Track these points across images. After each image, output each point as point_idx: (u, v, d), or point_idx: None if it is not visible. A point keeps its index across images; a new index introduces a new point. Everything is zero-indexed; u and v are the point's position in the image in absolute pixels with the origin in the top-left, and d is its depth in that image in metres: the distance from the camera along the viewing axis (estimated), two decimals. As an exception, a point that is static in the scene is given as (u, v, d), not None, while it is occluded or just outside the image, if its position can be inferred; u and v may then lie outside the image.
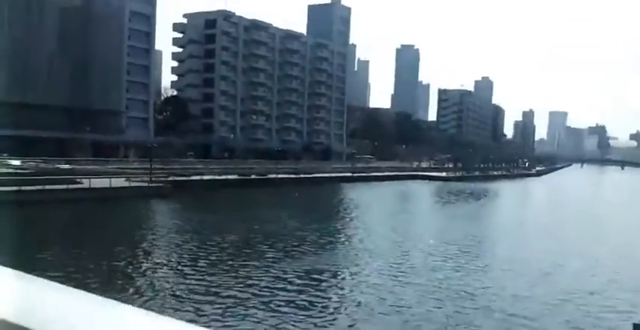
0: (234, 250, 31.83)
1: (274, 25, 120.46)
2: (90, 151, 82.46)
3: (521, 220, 57.12)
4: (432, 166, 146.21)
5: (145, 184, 61.05)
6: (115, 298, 1.56)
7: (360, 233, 41.99)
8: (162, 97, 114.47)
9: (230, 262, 28.37)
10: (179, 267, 27.58)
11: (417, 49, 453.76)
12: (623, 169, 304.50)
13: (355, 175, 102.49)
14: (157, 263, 28.01)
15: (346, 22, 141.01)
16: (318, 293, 23.37)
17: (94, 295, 1.52)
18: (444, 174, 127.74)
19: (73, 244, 30.86)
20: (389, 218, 54.73)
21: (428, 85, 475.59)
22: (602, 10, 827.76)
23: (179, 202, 57.33)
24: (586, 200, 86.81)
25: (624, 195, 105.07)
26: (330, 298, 22.79)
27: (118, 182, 59.25)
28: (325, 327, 19.38)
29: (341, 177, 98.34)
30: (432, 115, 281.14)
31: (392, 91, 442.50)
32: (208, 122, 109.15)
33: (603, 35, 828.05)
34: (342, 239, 38.59)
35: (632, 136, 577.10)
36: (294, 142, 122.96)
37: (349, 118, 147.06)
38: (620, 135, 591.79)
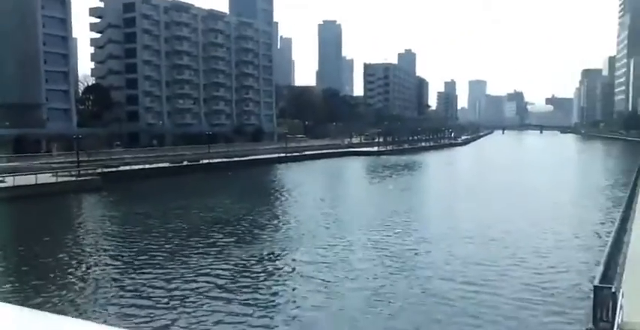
0: (167, 242, 31.01)
1: (196, 5, 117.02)
2: (10, 147, 78.03)
3: (456, 190, 58.65)
4: (363, 141, 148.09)
5: (73, 179, 58.77)
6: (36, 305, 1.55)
7: (301, 215, 41.96)
8: (82, 86, 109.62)
9: (161, 256, 27.71)
10: (110, 262, 26.78)
11: (339, 25, 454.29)
12: (541, 132, 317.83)
13: (289, 155, 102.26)
14: (90, 263, 27.07)
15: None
16: (264, 283, 23.19)
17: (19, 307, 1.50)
18: (375, 149, 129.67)
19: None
20: (327, 197, 54.96)
21: (352, 61, 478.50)
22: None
23: (111, 194, 55.48)
24: (512, 166, 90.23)
25: (546, 158, 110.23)
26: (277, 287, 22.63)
27: (44, 178, 56.74)
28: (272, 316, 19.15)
29: (275, 158, 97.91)
30: (357, 91, 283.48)
31: (316, 68, 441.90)
32: (133, 109, 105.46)
33: (519, 6, 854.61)
34: (284, 223, 38.25)
35: (548, 101, 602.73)
36: (224, 125, 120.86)
37: (277, 97, 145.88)
38: (536, 100, 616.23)
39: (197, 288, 21.89)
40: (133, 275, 24.38)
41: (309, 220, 38.57)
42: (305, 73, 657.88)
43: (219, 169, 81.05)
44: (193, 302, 20.27)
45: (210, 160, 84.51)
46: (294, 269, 25.38)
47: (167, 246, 30.29)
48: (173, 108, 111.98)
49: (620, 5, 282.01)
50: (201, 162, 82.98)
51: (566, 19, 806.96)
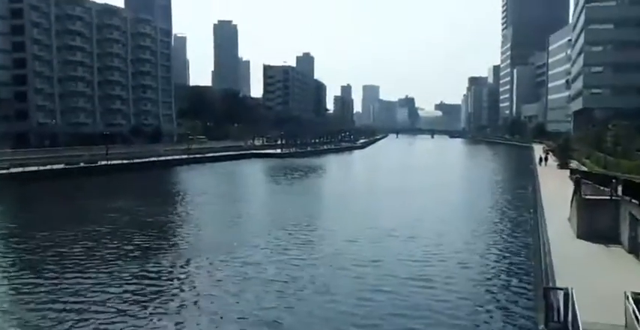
0: (57, 255, 28.41)
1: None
2: None
3: (360, 191, 59.09)
4: (265, 143, 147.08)
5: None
6: None
7: (209, 218, 40.43)
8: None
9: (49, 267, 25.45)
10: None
11: (235, 25, 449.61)
12: (432, 137, 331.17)
13: (191, 156, 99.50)
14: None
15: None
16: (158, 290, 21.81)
17: None
18: (278, 151, 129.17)
19: None
20: (237, 200, 53.47)
21: (248, 62, 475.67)
22: None
23: (3, 199, 51.03)
24: (412, 167, 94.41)
25: (440, 160, 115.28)
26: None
27: None
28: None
29: (177, 160, 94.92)
30: (254, 92, 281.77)
31: (212, 69, 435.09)
32: (23, 107, 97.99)
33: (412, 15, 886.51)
34: (191, 229, 36.31)
35: (437, 107, 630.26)
36: (121, 125, 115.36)
37: (176, 97, 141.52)
38: (426, 106, 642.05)
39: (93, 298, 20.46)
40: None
41: (219, 224, 37.41)
42: (200, 74, 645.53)
43: (118, 170, 77.37)
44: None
45: (109, 162, 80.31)
46: (198, 274, 24.59)
47: (67, 254, 27.91)
48: (66, 106, 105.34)
49: (502, 18, 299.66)
50: (99, 163, 78.74)
51: (453, 30, 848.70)
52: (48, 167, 70.28)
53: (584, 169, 53.88)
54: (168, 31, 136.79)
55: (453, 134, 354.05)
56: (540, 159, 69.89)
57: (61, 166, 73.15)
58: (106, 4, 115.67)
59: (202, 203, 49.42)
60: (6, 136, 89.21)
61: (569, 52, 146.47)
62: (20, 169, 66.04)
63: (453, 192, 58.66)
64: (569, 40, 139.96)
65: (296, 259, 27.05)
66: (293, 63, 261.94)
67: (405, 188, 59.27)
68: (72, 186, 61.49)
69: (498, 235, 33.56)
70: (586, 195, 24.99)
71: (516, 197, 52.11)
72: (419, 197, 52.24)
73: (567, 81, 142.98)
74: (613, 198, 23.67)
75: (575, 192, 26.70)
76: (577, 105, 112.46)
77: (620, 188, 23.71)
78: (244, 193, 62.29)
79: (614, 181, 24.84)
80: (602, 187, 26.59)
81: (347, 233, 33.32)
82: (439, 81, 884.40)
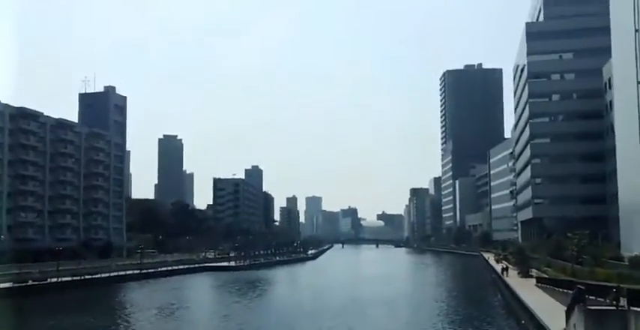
0: None
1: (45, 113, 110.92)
2: None
3: (323, 305, 57.69)
4: (218, 256, 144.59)
5: None
6: None
7: None
8: None
9: None
10: None
11: (180, 140, 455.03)
12: (377, 247, 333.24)
13: (143, 271, 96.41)
14: None
15: (122, 111, 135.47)
16: None
17: None
18: (232, 263, 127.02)
19: None
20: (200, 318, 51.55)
21: (192, 175, 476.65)
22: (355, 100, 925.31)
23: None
24: (366, 278, 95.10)
25: (391, 271, 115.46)
26: None
27: None
28: None
29: (129, 275, 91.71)
30: (198, 204, 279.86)
31: (155, 181, 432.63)
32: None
33: (353, 123, 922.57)
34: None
35: (379, 217, 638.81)
36: (70, 240, 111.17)
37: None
38: (368, 216, 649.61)
39: None
40: None
41: None
42: (142, 186, 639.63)
43: (70, 288, 73.95)
44: None
45: (60, 279, 76.70)
46: None
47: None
48: (14, 221, 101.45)
49: (442, 133, 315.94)
50: (49, 281, 75.09)
51: (392, 144, 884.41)
52: (-6, 286, 66.25)
53: (546, 276, 55.24)
54: (122, 146, 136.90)
55: (397, 244, 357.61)
56: (502, 269, 70.98)
57: (9, 284, 69.24)
58: (60, 119, 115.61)
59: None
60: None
61: (510, 164, 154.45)
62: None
63: (417, 305, 58.47)
64: (511, 153, 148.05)
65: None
66: (242, 175, 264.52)
67: (364, 304, 57.95)
68: (21, 305, 57.97)
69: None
70: (589, 306, 25.48)
71: (492, 308, 52.32)
72: (396, 310, 51.63)
73: (512, 192, 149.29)
74: (619, 309, 24.20)
75: (574, 302, 27.17)
76: (526, 215, 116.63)
77: (622, 299, 24.32)
78: (203, 309, 60.05)
79: (614, 290, 25.49)
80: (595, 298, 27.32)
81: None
82: (380, 192, 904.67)
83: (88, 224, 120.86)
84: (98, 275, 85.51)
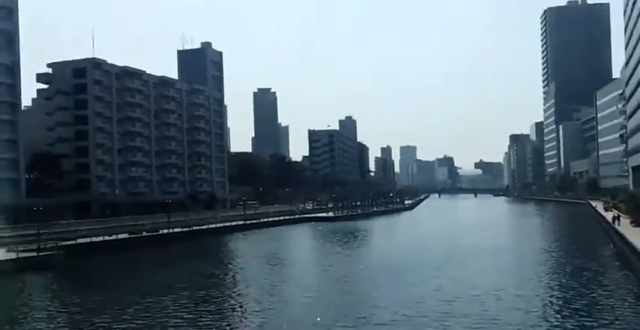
0: None
1: (147, 71, 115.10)
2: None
3: (436, 254, 56.79)
4: (316, 207, 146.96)
5: (34, 254, 53.82)
6: None
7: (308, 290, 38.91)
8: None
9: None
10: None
11: (274, 93, 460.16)
12: (476, 196, 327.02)
13: (248, 222, 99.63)
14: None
15: (219, 66, 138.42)
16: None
17: None
18: (330, 214, 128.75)
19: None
20: (310, 265, 52.59)
21: (287, 127, 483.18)
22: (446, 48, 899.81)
23: (79, 272, 51.38)
24: (473, 227, 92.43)
25: (495, 219, 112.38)
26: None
27: (2, 254, 52.04)
28: None
29: (234, 226, 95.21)
30: (294, 156, 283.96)
31: (252, 135, 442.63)
32: (84, 178, 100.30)
33: (446, 72, 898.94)
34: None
35: (477, 165, 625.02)
36: (177, 193, 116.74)
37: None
38: (465, 165, 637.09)
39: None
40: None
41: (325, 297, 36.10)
42: (240, 140, 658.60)
43: (179, 239, 77.68)
44: None
45: (170, 230, 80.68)
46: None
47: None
48: (126, 176, 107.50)
49: (543, 75, 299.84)
50: (160, 232, 79.08)
51: (489, 89, 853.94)
52: (113, 237, 70.63)
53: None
54: (220, 100, 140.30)
55: (496, 193, 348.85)
56: (613, 218, 67.41)
57: (125, 235, 73.54)
58: (162, 77, 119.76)
59: (285, 271, 48.79)
60: (68, 206, 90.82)
61: (620, 106, 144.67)
62: (87, 240, 66.52)
63: (522, 255, 56.71)
64: (621, 94, 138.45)
65: None
66: (335, 126, 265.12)
67: (478, 252, 56.77)
68: (139, 256, 61.66)
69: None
70: None
71: (604, 258, 49.96)
72: (501, 260, 50.36)
73: (622, 136, 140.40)
74: None
75: None
76: (638, 160, 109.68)
77: None
78: (310, 257, 61.31)
79: None
80: None
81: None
82: (478, 139, 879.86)
83: (193, 177, 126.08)
84: (205, 226, 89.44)
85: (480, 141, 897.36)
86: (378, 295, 34.57)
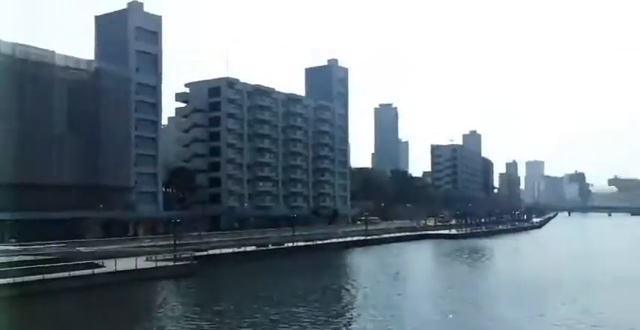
0: None
1: (276, 89, 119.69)
2: (99, 230, 78.36)
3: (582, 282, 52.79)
4: (438, 223, 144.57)
5: (171, 264, 57.29)
6: None
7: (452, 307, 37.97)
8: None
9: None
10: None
11: (395, 108, 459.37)
12: (610, 215, 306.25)
13: (369, 238, 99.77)
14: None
15: (344, 82, 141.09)
16: None
17: None
18: (453, 231, 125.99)
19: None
20: (438, 284, 51.57)
21: (407, 143, 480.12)
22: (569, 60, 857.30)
23: (212, 280, 53.93)
24: (601, 254, 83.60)
25: (629, 244, 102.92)
26: None
27: (142, 263, 55.79)
28: None
29: (356, 241, 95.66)
30: (413, 171, 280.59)
31: (371, 150, 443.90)
32: (216, 192, 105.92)
33: (576, 85, 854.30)
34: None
35: (611, 181, 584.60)
36: (301, 207, 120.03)
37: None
38: (597, 181, 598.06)
39: None
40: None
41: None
42: (360, 155, 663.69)
43: (304, 252, 79.21)
44: None
45: (294, 244, 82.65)
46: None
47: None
48: (254, 190, 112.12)
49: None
50: (285, 245, 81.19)
51: (627, 99, 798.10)
52: (242, 249, 73.46)
53: None
54: (344, 116, 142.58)
55: (635, 212, 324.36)
56: None
57: (253, 247, 76.27)
58: (291, 94, 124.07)
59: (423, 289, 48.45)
60: (201, 218, 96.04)
61: None
62: (218, 251, 69.67)
63: None
64: None
65: None
66: (459, 140, 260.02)
67: (606, 281, 51.29)
68: (268, 267, 63.70)
69: None
70: None
71: None
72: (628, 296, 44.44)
73: None
74: None
75: None
76: None
77: None
78: (437, 275, 60.22)
79: None
80: None
81: None
82: (612, 154, 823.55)
83: (317, 192, 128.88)
84: (328, 241, 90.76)
85: (616, 156, 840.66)
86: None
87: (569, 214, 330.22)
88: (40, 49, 78.13)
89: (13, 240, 66.60)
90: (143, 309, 38.87)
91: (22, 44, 76.27)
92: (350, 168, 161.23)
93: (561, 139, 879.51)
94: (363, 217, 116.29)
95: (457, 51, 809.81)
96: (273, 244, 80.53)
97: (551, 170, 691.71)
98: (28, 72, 74.88)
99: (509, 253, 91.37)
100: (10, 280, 41.08)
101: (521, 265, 71.65)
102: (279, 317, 33.61)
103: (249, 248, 74.89)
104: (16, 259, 50.58)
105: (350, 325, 32.97)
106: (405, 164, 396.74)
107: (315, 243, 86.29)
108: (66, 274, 45.41)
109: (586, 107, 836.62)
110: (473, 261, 74.79)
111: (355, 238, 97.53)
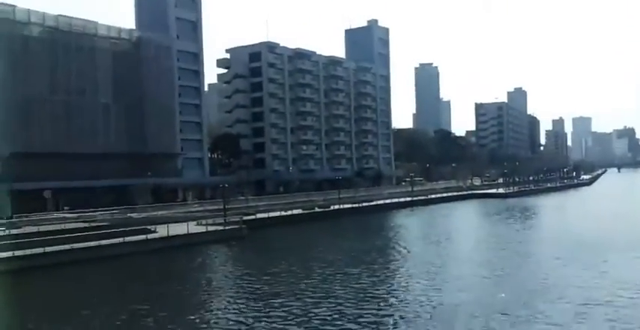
0: None
1: (317, 52, 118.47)
2: (150, 196, 79.85)
3: None
4: (484, 183, 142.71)
5: (221, 228, 58.13)
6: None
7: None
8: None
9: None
10: None
11: (436, 67, 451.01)
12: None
13: (415, 199, 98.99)
14: None
15: (385, 43, 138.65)
16: None
17: None
18: (501, 190, 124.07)
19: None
20: (496, 243, 50.73)
21: (448, 102, 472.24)
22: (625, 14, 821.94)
23: (262, 243, 54.55)
24: None
25: None
26: None
27: (193, 228, 56.71)
28: None
29: (402, 202, 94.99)
30: (456, 131, 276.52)
31: (413, 111, 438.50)
32: (260, 157, 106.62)
33: (622, 39, 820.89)
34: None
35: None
36: (344, 170, 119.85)
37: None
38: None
39: None
40: None
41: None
42: (401, 115, 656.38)
43: (352, 214, 79.25)
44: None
45: (340, 206, 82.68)
46: None
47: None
48: (297, 154, 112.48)
49: None
50: (331, 208, 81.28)
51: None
52: (288, 213, 73.99)
53: None
54: (386, 77, 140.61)
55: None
56: None
57: (299, 210, 76.71)
58: (332, 57, 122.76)
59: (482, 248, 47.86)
60: (246, 183, 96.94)
61: None
62: (265, 215, 70.26)
63: None
64: None
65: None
66: (503, 98, 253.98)
67: None
68: (317, 229, 64.10)
69: None
70: None
71: None
72: None
73: None
74: None
75: None
76: None
77: None
78: (492, 235, 59.27)
79: None
80: None
81: None
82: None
83: (360, 155, 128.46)
84: (374, 202, 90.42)
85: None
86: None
87: (619, 170, 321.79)
88: (82, 20, 78.77)
89: (67, 208, 68.56)
90: (200, 272, 39.51)
91: (65, 16, 76.92)
92: (392, 129, 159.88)
93: (610, 94, 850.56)
94: (408, 179, 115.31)
95: (498, 6, 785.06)
96: (319, 207, 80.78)
97: (598, 126, 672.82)
98: (72, 43, 75.94)
99: (563, 211, 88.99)
100: (67, 246, 42.34)
101: (579, 223, 69.34)
102: (337, 278, 33.66)
103: (295, 211, 75.38)
104: (71, 226, 52.17)
105: (408, 282, 32.57)
106: (447, 124, 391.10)
107: (361, 205, 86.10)
108: (120, 239, 46.52)
109: (635, 61, 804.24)
110: (527, 219, 73.61)
111: (402, 200, 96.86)
